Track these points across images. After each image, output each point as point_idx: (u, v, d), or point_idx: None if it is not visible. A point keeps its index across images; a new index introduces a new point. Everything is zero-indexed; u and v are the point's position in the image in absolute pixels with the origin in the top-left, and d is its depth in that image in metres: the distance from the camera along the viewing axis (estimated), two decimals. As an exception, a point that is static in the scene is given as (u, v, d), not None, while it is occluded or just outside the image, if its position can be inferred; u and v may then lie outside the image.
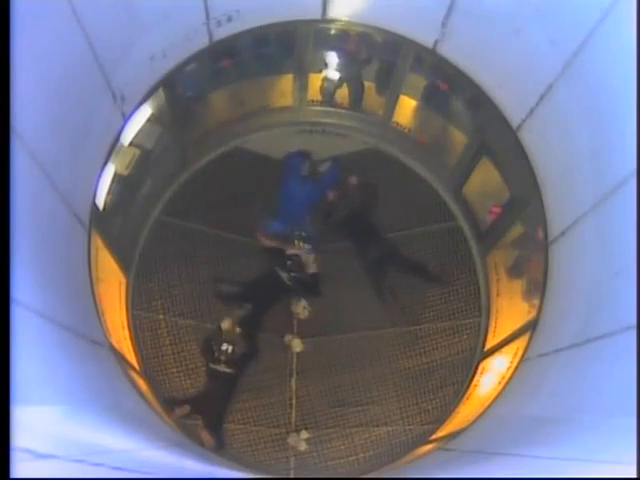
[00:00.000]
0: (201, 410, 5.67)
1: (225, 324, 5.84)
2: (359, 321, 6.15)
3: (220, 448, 5.68)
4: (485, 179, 5.63)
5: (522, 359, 4.72)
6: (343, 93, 6.20)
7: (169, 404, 5.60)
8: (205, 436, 5.59)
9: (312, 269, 6.15)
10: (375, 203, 6.31)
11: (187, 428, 5.63)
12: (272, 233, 6.15)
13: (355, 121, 6.32)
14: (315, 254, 6.19)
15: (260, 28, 4.97)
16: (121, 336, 5.30)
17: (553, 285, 4.53)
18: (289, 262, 5.99)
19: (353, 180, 6.31)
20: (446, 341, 6.10)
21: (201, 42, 4.80)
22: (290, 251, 6.12)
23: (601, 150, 3.60)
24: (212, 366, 5.72)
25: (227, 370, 5.70)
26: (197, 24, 4.55)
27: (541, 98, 4.14)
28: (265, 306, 6.02)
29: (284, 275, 5.97)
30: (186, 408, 5.62)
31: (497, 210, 5.60)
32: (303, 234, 6.22)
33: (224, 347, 5.69)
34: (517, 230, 5.39)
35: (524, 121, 4.53)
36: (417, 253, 6.32)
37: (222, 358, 5.69)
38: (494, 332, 5.71)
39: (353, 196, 6.33)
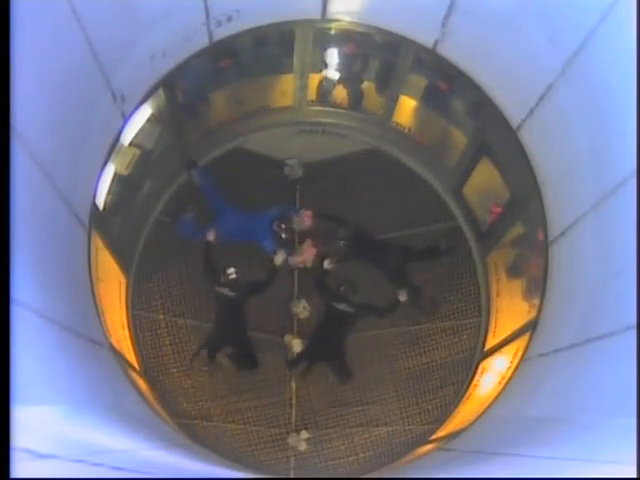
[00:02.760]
0: (224, 338, 5.78)
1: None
2: (359, 321, 6.14)
3: (254, 366, 5.86)
4: (485, 179, 5.63)
5: (522, 359, 4.72)
6: (343, 93, 6.20)
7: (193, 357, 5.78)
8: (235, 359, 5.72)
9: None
10: (356, 226, 6.22)
11: (187, 428, 5.65)
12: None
13: (355, 121, 6.31)
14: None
15: (260, 28, 4.97)
16: (121, 336, 5.30)
17: (553, 285, 4.53)
18: (342, 289, 5.76)
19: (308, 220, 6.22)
20: (446, 341, 6.11)
21: (201, 42, 4.80)
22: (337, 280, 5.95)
23: (601, 150, 3.60)
24: (217, 289, 5.72)
25: (230, 294, 5.68)
26: (197, 24, 4.55)
27: (541, 98, 4.14)
28: (340, 341, 5.87)
29: (342, 306, 5.72)
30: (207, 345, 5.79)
31: (497, 210, 5.60)
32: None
33: (229, 271, 5.67)
34: (517, 230, 5.39)
35: (524, 121, 4.53)
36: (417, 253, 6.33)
37: (227, 282, 5.69)
38: (494, 332, 5.71)
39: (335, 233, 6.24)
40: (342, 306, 5.71)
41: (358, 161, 6.42)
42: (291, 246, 6.25)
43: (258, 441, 5.88)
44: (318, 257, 6.11)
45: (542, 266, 4.65)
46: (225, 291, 5.68)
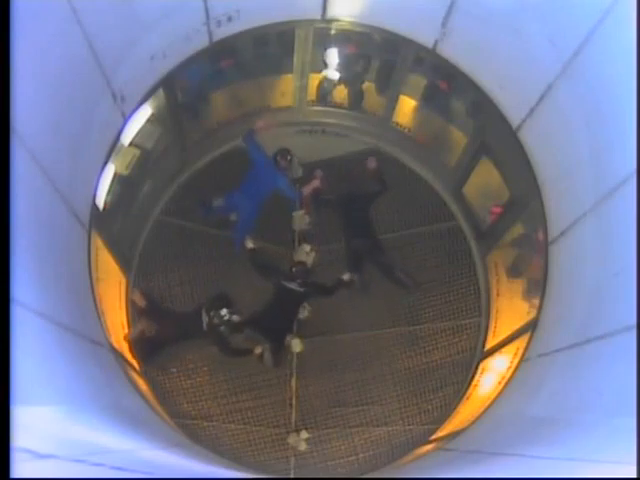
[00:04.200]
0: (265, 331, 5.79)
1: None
2: (359, 321, 6.15)
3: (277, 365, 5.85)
4: (485, 179, 5.63)
5: (522, 359, 4.72)
6: (343, 93, 6.20)
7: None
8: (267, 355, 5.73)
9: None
10: (377, 198, 6.22)
11: (187, 428, 5.64)
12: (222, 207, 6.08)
13: (355, 121, 6.32)
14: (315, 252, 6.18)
15: (260, 28, 4.98)
16: (121, 336, 5.30)
17: (553, 285, 4.53)
18: (294, 269, 5.82)
19: (372, 163, 6.19)
20: (446, 341, 6.10)
21: (201, 42, 4.80)
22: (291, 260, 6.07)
23: (601, 150, 3.60)
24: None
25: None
26: (197, 24, 4.55)
27: (541, 98, 4.14)
28: (287, 320, 5.93)
29: (292, 285, 5.78)
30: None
31: (497, 210, 5.61)
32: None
33: (223, 312, 5.64)
34: (517, 230, 5.39)
35: (524, 121, 4.53)
36: (417, 253, 6.33)
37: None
38: (494, 332, 5.71)
39: (361, 181, 6.28)
40: (292, 285, 5.77)
41: (358, 161, 6.42)
42: (291, 244, 6.27)
43: (258, 441, 5.87)
44: (319, 192, 6.22)
45: (542, 266, 4.65)
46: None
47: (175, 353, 5.91)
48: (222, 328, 5.63)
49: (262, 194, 5.97)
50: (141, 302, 5.74)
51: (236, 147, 6.25)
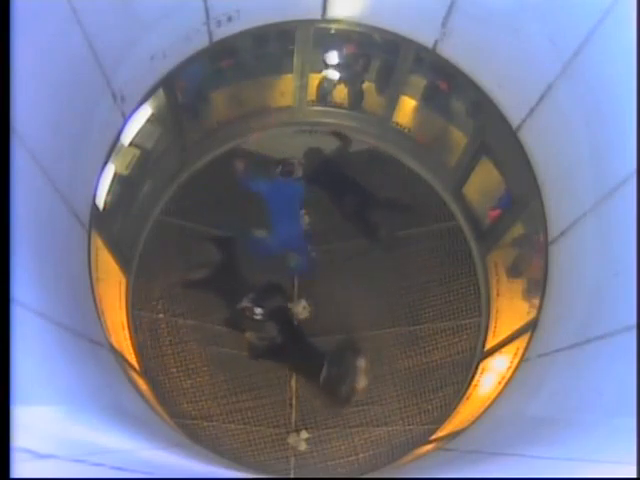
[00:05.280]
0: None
1: None
2: (359, 321, 6.15)
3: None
4: (485, 179, 5.63)
5: (522, 359, 4.72)
6: (343, 93, 6.20)
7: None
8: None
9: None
10: (345, 151, 6.24)
11: (187, 428, 5.64)
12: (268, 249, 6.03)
13: (355, 121, 6.32)
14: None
15: (260, 28, 4.97)
16: (121, 336, 5.30)
17: (553, 285, 4.53)
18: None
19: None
20: (446, 341, 6.10)
21: (201, 42, 4.80)
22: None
23: (601, 150, 3.61)
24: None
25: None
26: (197, 24, 4.55)
27: (541, 98, 4.14)
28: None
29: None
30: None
31: (497, 210, 5.61)
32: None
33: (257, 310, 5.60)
34: (517, 230, 5.39)
35: (524, 121, 4.53)
36: (417, 253, 6.33)
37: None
38: (494, 332, 5.71)
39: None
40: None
41: (358, 161, 6.42)
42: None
43: (258, 441, 5.87)
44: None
45: (542, 266, 4.65)
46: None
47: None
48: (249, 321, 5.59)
49: (295, 211, 5.95)
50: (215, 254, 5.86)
51: (236, 147, 6.25)
